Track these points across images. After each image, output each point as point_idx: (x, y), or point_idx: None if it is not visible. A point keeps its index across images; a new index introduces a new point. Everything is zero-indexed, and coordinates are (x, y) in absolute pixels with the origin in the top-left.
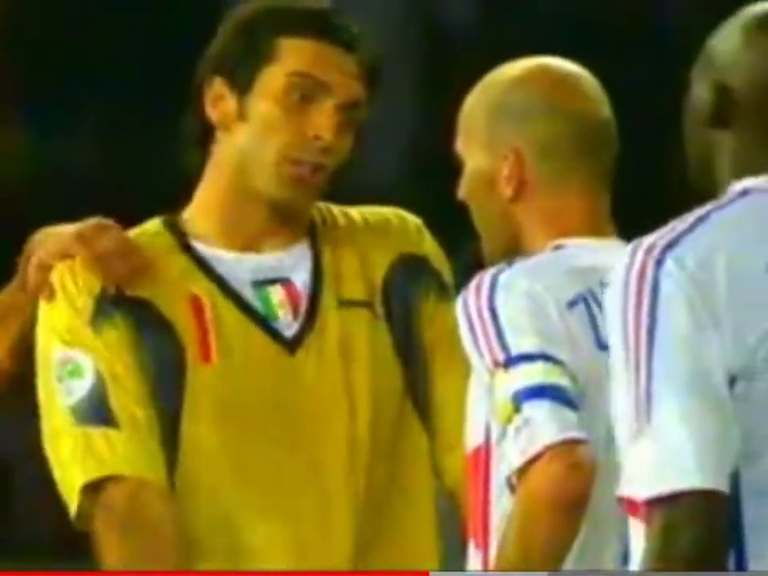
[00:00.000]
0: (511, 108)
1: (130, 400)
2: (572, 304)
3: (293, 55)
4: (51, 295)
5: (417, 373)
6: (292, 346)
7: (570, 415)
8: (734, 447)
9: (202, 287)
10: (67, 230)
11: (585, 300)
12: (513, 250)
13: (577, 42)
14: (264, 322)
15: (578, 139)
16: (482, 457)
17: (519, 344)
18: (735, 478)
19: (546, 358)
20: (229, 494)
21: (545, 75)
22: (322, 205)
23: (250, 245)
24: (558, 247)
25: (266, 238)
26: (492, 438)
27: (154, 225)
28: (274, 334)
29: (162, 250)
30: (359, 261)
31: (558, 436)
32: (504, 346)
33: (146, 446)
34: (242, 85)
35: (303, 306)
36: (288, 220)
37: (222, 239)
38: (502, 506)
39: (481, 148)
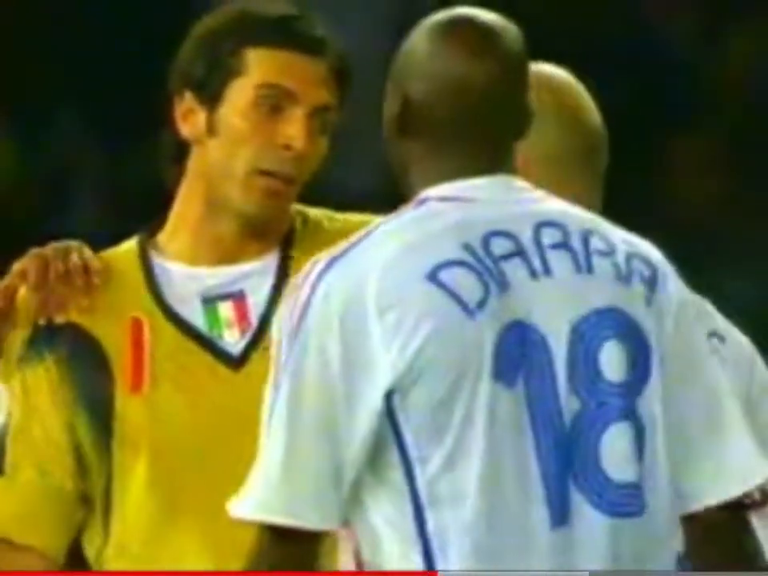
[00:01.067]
0: None
1: (26, 456)
2: None
3: (259, 66)
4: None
5: None
6: (237, 363)
7: None
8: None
9: (146, 308)
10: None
11: None
12: None
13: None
14: (206, 341)
15: (581, 147)
16: None
17: None
18: (412, 484)
19: None
20: (158, 531)
21: (548, 82)
22: (308, 211)
23: (223, 258)
24: None
25: (240, 251)
26: None
27: (131, 241)
28: (218, 353)
29: (121, 269)
30: None
31: None
32: None
33: (19, 507)
34: (211, 98)
35: (254, 321)
36: (261, 232)
37: (197, 254)
38: None
39: None
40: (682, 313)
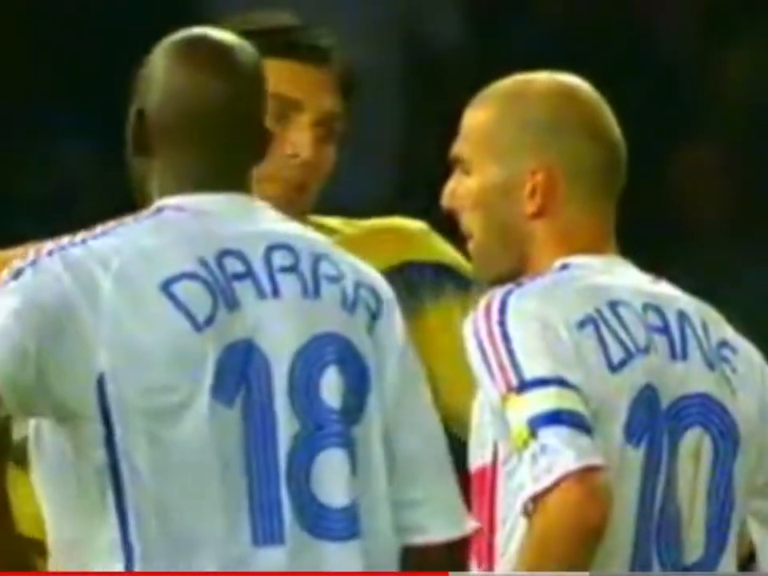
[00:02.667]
0: (543, 123)
1: None
2: (581, 325)
3: (267, 77)
4: None
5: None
6: None
7: (586, 441)
8: None
9: None
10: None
11: (593, 321)
12: (519, 266)
13: (567, 58)
14: None
15: (607, 157)
16: (488, 477)
17: (532, 368)
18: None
19: (560, 382)
20: None
21: (573, 92)
22: (326, 221)
23: None
24: (564, 267)
25: None
26: (499, 460)
27: None
28: None
29: None
30: None
31: (575, 464)
32: (517, 370)
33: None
34: None
35: None
36: None
37: None
38: (507, 527)
39: (497, 161)
40: (406, 353)
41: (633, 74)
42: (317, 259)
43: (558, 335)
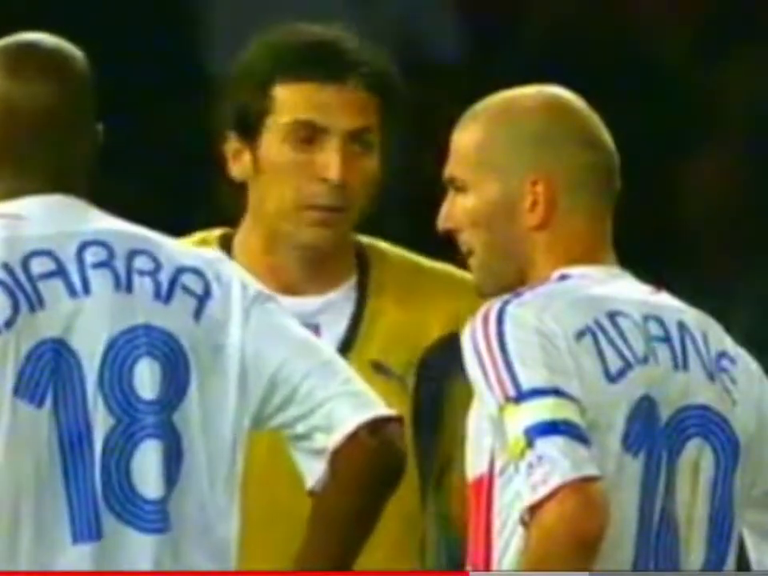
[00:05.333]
0: (537, 136)
1: None
2: (579, 335)
3: (288, 103)
4: None
5: (431, 444)
6: None
7: (583, 452)
8: None
9: None
10: None
11: (592, 331)
12: (521, 278)
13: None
14: None
15: (603, 164)
16: (485, 486)
17: (530, 378)
18: None
19: (557, 392)
20: None
21: (563, 102)
22: (381, 246)
23: (284, 290)
24: (563, 277)
25: (304, 283)
26: (496, 469)
27: (211, 236)
28: None
29: None
30: (407, 326)
31: (571, 474)
32: (515, 380)
33: None
34: (251, 139)
35: None
36: (323, 263)
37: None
38: (504, 537)
39: (496, 176)
40: (252, 314)
41: (629, 85)
42: (132, 254)
43: (555, 345)
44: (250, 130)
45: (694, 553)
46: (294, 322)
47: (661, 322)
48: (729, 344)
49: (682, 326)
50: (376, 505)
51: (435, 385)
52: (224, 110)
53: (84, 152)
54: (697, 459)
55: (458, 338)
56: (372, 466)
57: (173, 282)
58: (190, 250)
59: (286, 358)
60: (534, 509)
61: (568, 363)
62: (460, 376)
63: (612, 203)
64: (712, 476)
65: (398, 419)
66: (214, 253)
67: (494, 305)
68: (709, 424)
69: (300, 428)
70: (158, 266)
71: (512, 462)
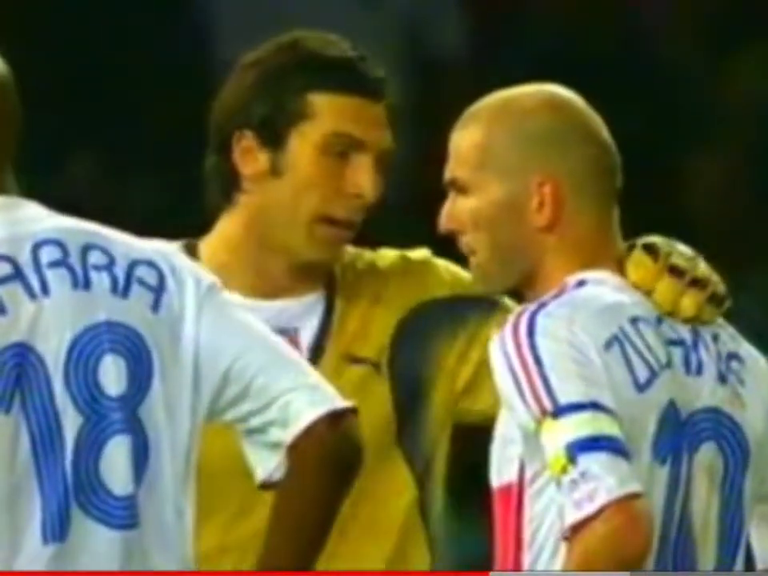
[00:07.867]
0: (541, 135)
1: None
2: (608, 345)
3: (327, 113)
4: None
5: (416, 429)
6: None
7: (625, 467)
8: None
9: None
10: None
11: (618, 340)
12: (523, 280)
13: (567, 70)
14: None
15: (607, 161)
16: (514, 494)
17: (567, 392)
18: None
19: (594, 406)
20: None
21: (564, 101)
22: (348, 249)
23: (267, 293)
24: (581, 283)
25: (283, 288)
26: (526, 478)
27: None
28: None
29: None
30: (372, 315)
31: (617, 491)
32: (551, 394)
33: None
34: (274, 141)
35: (305, 358)
36: (310, 274)
37: (237, 282)
38: (535, 547)
39: (499, 177)
40: (205, 309)
41: (637, 88)
42: (85, 250)
43: (588, 357)
44: (273, 132)
45: (707, 555)
46: (247, 315)
47: (673, 325)
48: (739, 344)
49: (693, 328)
50: (334, 497)
51: (410, 365)
52: (239, 107)
53: (10, 152)
54: (711, 462)
55: (421, 310)
56: (330, 459)
57: (128, 276)
58: (142, 242)
59: (240, 351)
60: (578, 526)
61: (601, 375)
62: (443, 340)
63: (616, 202)
64: (723, 478)
65: (353, 411)
66: (166, 245)
67: (522, 315)
68: (720, 427)
69: (254, 422)
70: (111, 261)
71: (553, 477)
